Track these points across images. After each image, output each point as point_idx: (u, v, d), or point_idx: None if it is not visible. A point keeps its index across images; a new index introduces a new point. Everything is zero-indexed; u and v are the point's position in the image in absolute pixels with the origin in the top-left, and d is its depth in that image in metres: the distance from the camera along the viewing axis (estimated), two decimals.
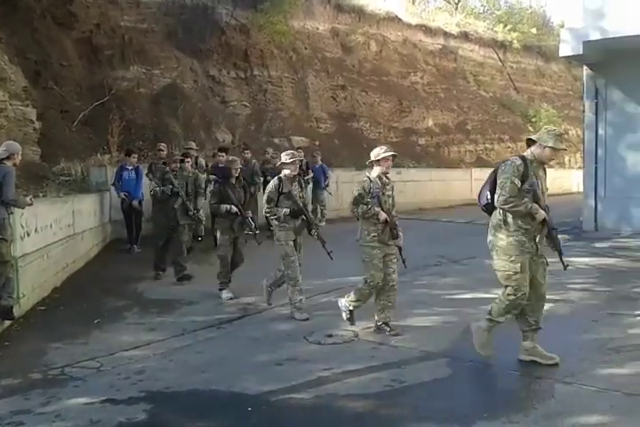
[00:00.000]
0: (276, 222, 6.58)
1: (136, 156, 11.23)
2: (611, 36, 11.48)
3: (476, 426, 3.83)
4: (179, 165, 9.00)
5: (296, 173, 6.74)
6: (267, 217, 6.91)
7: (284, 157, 6.71)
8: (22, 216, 6.55)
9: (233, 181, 7.60)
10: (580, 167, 19.07)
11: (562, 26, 16.04)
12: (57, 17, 14.70)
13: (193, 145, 12.18)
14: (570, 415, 3.94)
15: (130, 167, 10.90)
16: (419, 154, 21.31)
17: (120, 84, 14.97)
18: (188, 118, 15.60)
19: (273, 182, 6.63)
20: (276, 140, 17.34)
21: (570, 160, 27.71)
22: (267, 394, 4.42)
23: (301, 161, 14.01)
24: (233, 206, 7.38)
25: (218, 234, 9.13)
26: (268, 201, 6.57)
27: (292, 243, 6.57)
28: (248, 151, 12.38)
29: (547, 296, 4.97)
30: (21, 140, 9.41)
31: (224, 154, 11.66)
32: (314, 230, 6.64)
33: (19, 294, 6.35)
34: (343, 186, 15.52)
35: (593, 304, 6.97)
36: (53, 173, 11.45)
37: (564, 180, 25.18)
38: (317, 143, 18.19)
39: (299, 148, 13.66)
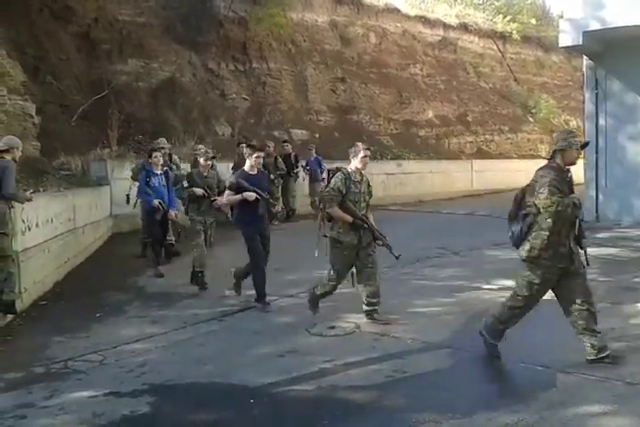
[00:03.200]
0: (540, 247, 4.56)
1: (159, 155, 8.90)
2: (610, 27, 11.43)
3: (477, 416, 3.84)
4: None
5: None
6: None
7: None
8: (23, 211, 6.56)
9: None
10: (580, 158, 19.02)
11: (561, 16, 15.95)
12: (55, 11, 14.69)
13: (164, 142, 10.43)
14: (571, 405, 3.96)
15: (158, 172, 8.77)
16: (419, 146, 21.24)
17: (119, 77, 14.95)
18: (187, 112, 15.58)
19: (552, 171, 4.58)
20: (276, 133, 17.32)
21: None
22: (268, 386, 4.43)
23: (290, 154, 14.14)
24: None
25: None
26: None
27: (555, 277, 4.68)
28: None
29: None
30: (21, 134, 9.39)
31: None
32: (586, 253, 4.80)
33: (20, 288, 6.37)
34: None
35: (594, 294, 6.96)
36: (53, 167, 11.46)
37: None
38: (317, 136, 18.15)
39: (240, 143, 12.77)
